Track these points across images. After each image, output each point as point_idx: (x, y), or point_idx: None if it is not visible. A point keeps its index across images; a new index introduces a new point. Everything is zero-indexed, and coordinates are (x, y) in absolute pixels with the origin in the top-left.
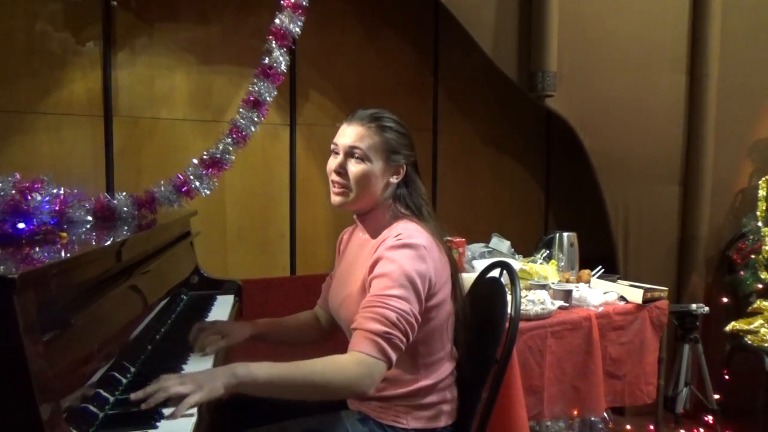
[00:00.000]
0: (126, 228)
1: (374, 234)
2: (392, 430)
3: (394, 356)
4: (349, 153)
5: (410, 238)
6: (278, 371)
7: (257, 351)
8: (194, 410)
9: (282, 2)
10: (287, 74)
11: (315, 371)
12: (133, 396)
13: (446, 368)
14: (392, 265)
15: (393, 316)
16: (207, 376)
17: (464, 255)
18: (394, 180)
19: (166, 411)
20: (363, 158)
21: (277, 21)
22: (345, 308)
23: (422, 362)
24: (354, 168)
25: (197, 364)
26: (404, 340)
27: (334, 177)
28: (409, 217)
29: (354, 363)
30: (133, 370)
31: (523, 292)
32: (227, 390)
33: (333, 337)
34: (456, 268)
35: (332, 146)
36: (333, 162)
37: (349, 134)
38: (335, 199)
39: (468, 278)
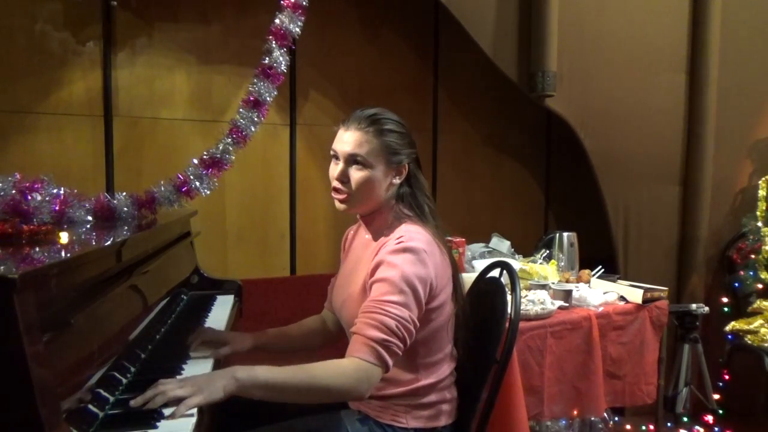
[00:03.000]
0: (126, 228)
1: (377, 235)
2: (391, 429)
3: (390, 361)
4: (350, 160)
5: (411, 241)
6: (277, 376)
7: (258, 358)
8: (194, 411)
9: (282, 2)
10: (287, 74)
11: (314, 376)
12: (132, 402)
13: (446, 368)
14: (393, 270)
15: (392, 324)
16: (207, 379)
17: (464, 255)
18: (396, 181)
19: (167, 411)
20: (364, 165)
21: (277, 21)
22: (346, 309)
23: (422, 362)
24: (356, 175)
25: (198, 364)
26: (401, 346)
27: (336, 184)
28: (412, 218)
29: (352, 368)
30: (133, 370)
31: (523, 292)
32: (227, 394)
33: (340, 340)
34: (457, 269)
35: (332, 152)
36: (335, 169)
37: (348, 140)
38: (339, 205)
39: (468, 278)
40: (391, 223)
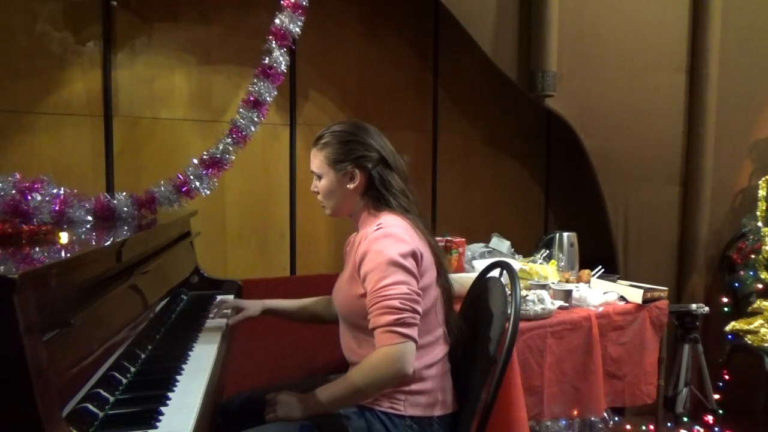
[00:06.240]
0: (126, 228)
1: (360, 230)
2: (388, 418)
3: (412, 332)
4: (314, 176)
5: (389, 227)
6: (332, 396)
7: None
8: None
9: (282, 2)
10: (287, 74)
11: (358, 381)
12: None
13: (438, 351)
14: (377, 257)
15: (395, 303)
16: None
17: (464, 255)
18: (351, 186)
19: (166, 410)
20: (319, 177)
21: (277, 21)
22: (337, 293)
23: None
24: (319, 186)
25: (198, 363)
26: (414, 315)
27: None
28: (387, 210)
29: (380, 357)
30: (133, 370)
31: (523, 292)
32: (304, 416)
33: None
34: (439, 256)
35: None
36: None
37: (310, 161)
38: (325, 212)
39: (468, 278)
40: (370, 219)
